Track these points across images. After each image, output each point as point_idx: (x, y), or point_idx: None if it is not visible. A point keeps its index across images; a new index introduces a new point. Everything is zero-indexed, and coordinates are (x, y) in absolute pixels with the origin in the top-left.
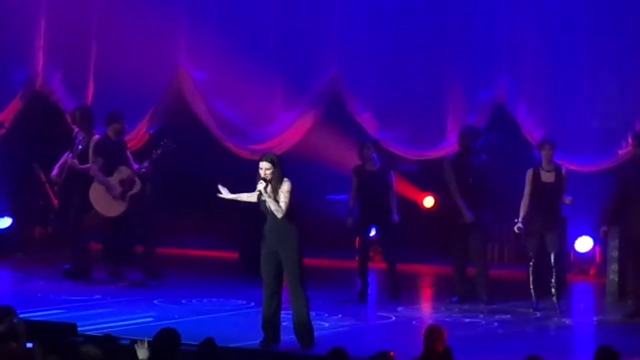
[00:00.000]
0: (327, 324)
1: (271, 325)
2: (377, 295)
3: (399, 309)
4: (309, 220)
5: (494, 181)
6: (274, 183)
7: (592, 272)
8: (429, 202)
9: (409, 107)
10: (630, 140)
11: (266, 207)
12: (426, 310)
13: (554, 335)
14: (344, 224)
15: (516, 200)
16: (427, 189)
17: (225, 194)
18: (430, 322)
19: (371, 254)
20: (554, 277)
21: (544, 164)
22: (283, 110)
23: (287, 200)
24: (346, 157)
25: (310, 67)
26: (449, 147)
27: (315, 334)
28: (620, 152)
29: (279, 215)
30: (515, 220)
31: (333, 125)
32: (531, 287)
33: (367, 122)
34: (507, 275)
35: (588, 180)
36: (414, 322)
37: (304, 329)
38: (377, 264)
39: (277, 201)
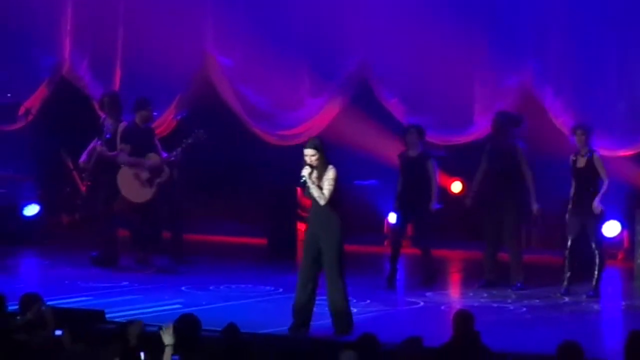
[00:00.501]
0: (355, 310)
1: (303, 311)
2: (406, 281)
3: (427, 294)
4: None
5: (525, 166)
6: (319, 169)
7: (620, 256)
8: (457, 187)
9: (436, 92)
10: None
11: (309, 193)
12: (454, 295)
13: (584, 320)
14: (371, 209)
15: (544, 185)
16: (455, 174)
17: None
18: (458, 307)
19: (402, 240)
20: (597, 262)
21: (579, 148)
22: (310, 96)
23: (331, 187)
24: (374, 142)
25: (337, 53)
26: (477, 132)
27: None
28: None
29: (321, 202)
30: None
31: (361, 111)
32: (566, 271)
33: (395, 107)
34: (535, 259)
35: (616, 164)
36: (442, 308)
37: (340, 317)
38: (405, 250)
39: (320, 188)
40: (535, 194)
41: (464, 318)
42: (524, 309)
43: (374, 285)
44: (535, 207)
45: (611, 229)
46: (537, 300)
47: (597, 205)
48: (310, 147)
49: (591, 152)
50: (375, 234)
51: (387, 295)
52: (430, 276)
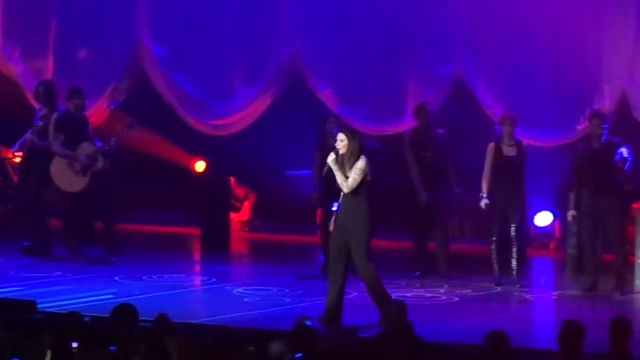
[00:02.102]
0: (288, 300)
1: (333, 308)
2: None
3: (360, 284)
4: (270, 195)
5: (452, 156)
6: (347, 157)
7: (551, 246)
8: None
9: (369, 83)
10: (590, 118)
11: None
12: (387, 285)
13: (515, 310)
14: (305, 199)
15: (475, 174)
16: (387, 165)
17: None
18: (392, 297)
19: None
20: (514, 251)
21: (506, 138)
22: (243, 86)
23: (356, 176)
24: (307, 133)
25: (270, 44)
26: (409, 122)
27: (277, 309)
28: (579, 127)
29: (345, 189)
30: (481, 195)
31: (294, 101)
32: (494, 261)
33: (328, 98)
34: (468, 249)
35: (547, 155)
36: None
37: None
38: None
39: (346, 176)
40: (455, 181)
41: (398, 308)
42: (457, 298)
43: (307, 275)
44: (456, 191)
45: (543, 219)
46: (469, 290)
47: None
48: (342, 132)
49: (520, 142)
50: (308, 224)
51: (321, 285)
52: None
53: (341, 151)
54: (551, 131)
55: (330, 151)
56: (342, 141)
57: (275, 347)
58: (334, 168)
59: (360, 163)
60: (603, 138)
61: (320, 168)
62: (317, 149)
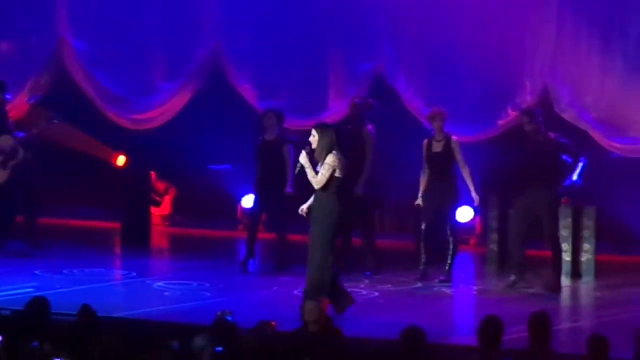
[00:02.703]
0: (209, 294)
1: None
2: (261, 266)
3: (281, 279)
4: (191, 189)
5: (369, 151)
6: (318, 152)
7: (472, 242)
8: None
9: (290, 77)
10: (520, 116)
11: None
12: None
13: (435, 305)
14: (225, 194)
15: (397, 169)
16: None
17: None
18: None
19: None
20: (451, 248)
21: (435, 134)
22: (164, 81)
23: (325, 172)
24: (227, 127)
25: (191, 38)
26: (331, 116)
27: (197, 303)
28: (500, 122)
29: (315, 186)
30: (418, 203)
31: (215, 96)
32: (421, 257)
33: (248, 92)
34: (389, 245)
35: (468, 150)
36: (295, 292)
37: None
38: (262, 234)
39: (316, 172)
40: (365, 179)
41: (318, 303)
42: (377, 293)
43: (228, 269)
44: (359, 191)
45: (464, 214)
46: (390, 286)
47: (475, 196)
48: (314, 128)
49: (448, 137)
50: (229, 219)
51: (241, 280)
52: (284, 261)
53: (313, 146)
54: (472, 126)
55: (266, 145)
56: (313, 136)
57: (198, 341)
58: (305, 165)
59: (329, 158)
60: (540, 134)
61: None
62: (256, 143)
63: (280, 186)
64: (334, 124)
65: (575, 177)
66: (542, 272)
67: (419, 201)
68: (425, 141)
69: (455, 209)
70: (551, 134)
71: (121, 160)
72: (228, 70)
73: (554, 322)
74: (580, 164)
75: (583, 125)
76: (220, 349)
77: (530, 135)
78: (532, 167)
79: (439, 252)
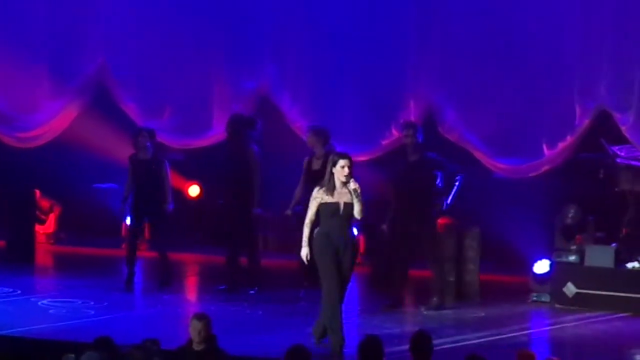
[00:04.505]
0: (92, 312)
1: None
2: (144, 284)
3: (164, 297)
4: (76, 207)
5: (255, 170)
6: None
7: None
8: (194, 191)
9: (175, 96)
10: (401, 130)
11: (336, 210)
12: (192, 298)
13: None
14: (112, 213)
15: (281, 189)
16: (193, 178)
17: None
18: (195, 310)
19: (139, 242)
20: None
21: (315, 151)
22: (49, 99)
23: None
24: (113, 146)
25: (76, 56)
26: (215, 136)
27: (81, 322)
28: (384, 142)
29: (361, 216)
30: (288, 212)
31: (100, 114)
32: (304, 274)
33: (133, 111)
34: (273, 264)
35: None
36: (179, 310)
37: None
38: (144, 253)
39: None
40: (258, 199)
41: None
42: (260, 312)
43: (112, 288)
44: (256, 211)
45: None
46: (274, 304)
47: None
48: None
49: (327, 155)
50: (113, 237)
51: (125, 298)
52: (167, 279)
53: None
54: (356, 145)
55: (143, 163)
56: (350, 167)
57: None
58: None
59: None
60: (417, 151)
61: (132, 179)
62: (128, 161)
63: (161, 204)
64: (218, 143)
65: (450, 198)
66: (424, 292)
67: (289, 211)
68: (306, 159)
69: None
70: (429, 153)
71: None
72: (113, 88)
73: (435, 341)
74: (457, 184)
75: (467, 146)
76: None
77: (408, 151)
78: (408, 185)
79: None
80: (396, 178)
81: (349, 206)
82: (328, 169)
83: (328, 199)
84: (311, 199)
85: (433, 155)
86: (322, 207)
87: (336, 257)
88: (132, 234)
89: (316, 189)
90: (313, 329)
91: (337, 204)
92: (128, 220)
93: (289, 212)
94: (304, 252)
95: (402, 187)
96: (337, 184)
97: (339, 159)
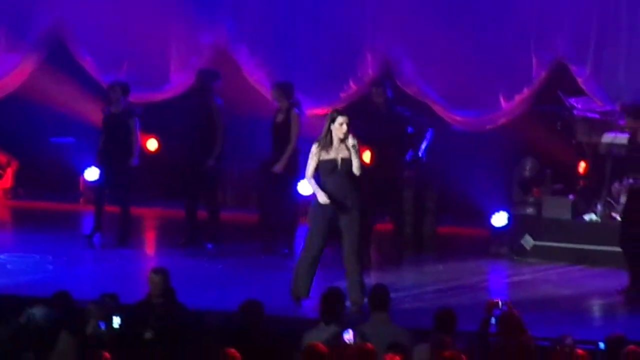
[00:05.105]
0: (51, 267)
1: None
2: (105, 239)
3: (124, 252)
4: (33, 162)
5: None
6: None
7: None
8: (152, 145)
9: (133, 50)
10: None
11: (334, 167)
12: (151, 253)
13: (277, 278)
14: (67, 167)
15: (238, 141)
16: (150, 132)
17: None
18: (154, 265)
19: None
20: (290, 221)
21: (280, 106)
22: (5, 53)
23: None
24: (70, 100)
25: (32, 10)
26: (172, 89)
27: (40, 277)
28: (342, 95)
29: (359, 171)
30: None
31: (57, 68)
32: (264, 229)
33: (90, 65)
34: (232, 218)
35: (311, 124)
36: (138, 265)
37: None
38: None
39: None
40: (218, 153)
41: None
42: (220, 266)
43: (71, 242)
44: (210, 163)
45: (307, 187)
46: (233, 259)
47: (276, 168)
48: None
49: (290, 108)
50: (71, 192)
51: (86, 253)
52: (126, 234)
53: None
54: (314, 99)
55: (113, 117)
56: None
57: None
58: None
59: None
60: (387, 107)
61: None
62: (103, 115)
63: (126, 159)
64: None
65: (421, 150)
66: (384, 245)
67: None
68: (276, 112)
69: (294, 182)
70: (399, 107)
71: None
72: (70, 42)
73: (394, 295)
74: (427, 137)
75: (425, 99)
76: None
77: (377, 108)
78: (379, 140)
79: (280, 224)
80: (367, 133)
81: (347, 162)
82: (326, 126)
83: (326, 155)
84: (310, 155)
85: (403, 110)
86: (320, 164)
87: (328, 225)
88: (99, 188)
89: (314, 145)
90: (292, 290)
91: (334, 161)
92: (88, 174)
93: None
94: (321, 195)
95: (374, 142)
96: (335, 140)
97: (337, 116)
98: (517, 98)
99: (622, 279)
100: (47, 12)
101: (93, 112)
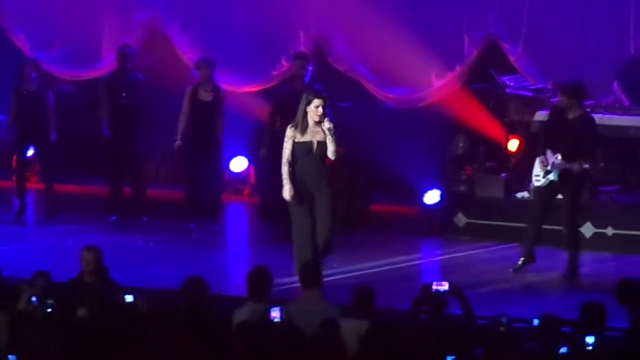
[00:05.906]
0: None
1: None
2: (35, 217)
3: (55, 229)
4: None
5: (149, 100)
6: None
7: (246, 192)
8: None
9: (65, 27)
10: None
11: (309, 149)
12: (83, 230)
13: (210, 256)
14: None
15: (172, 119)
16: (83, 109)
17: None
18: (86, 243)
19: (28, 174)
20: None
21: (202, 83)
22: None
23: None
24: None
25: None
26: (105, 67)
27: None
28: (274, 72)
29: (334, 156)
30: (175, 138)
31: None
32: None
33: (22, 42)
34: (164, 195)
35: (242, 100)
36: (70, 243)
37: None
38: (34, 185)
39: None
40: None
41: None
42: (152, 243)
43: (2, 220)
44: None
45: (238, 164)
46: (166, 235)
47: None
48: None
49: (218, 87)
50: (3, 169)
51: (17, 231)
52: (53, 210)
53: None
54: (247, 76)
55: (29, 95)
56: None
57: None
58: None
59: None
60: (306, 80)
61: (16, 110)
62: (13, 93)
63: (46, 135)
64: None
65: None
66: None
67: (179, 143)
68: (189, 89)
69: (219, 159)
70: (316, 85)
71: None
72: (2, 19)
73: (324, 272)
74: None
75: (357, 76)
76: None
77: (297, 81)
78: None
79: (206, 203)
80: (283, 104)
81: (322, 145)
82: (301, 108)
83: (301, 137)
84: (285, 138)
85: (319, 86)
86: (295, 146)
87: (309, 199)
88: (20, 165)
89: (289, 128)
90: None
91: (310, 143)
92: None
93: (178, 142)
94: (287, 189)
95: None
96: (310, 122)
97: (313, 98)
98: (450, 75)
99: (554, 257)
100: None
101: None
